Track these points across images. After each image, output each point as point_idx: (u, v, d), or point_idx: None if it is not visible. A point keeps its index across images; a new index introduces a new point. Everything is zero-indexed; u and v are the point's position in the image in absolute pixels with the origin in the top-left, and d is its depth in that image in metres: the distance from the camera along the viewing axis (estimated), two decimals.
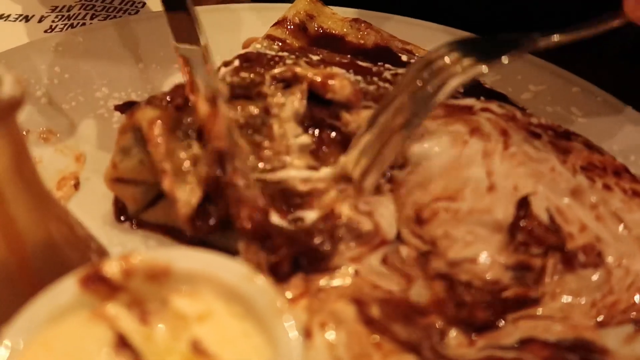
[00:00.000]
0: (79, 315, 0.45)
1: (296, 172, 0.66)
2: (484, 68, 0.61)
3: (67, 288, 0.47)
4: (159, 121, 0.64)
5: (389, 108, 0.64)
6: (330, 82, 0.72)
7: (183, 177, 0.63)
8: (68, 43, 0.89)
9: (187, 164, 0.64)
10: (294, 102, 0.69)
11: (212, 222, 0.63)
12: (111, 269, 0.48)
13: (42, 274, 0.50)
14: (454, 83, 0.61)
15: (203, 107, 0.64)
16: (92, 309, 0.46)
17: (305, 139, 0.69)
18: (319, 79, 0.73)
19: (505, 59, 0.62)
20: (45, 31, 0.97)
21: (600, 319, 0.59)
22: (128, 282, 0.49)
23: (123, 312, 0.46)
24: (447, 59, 0.62)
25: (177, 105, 0.66)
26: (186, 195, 0.62)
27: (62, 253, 0.52)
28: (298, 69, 0.74)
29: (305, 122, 0.70)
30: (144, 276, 0.49)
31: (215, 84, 0.64)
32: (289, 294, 0.58)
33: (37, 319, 0.45)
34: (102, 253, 0.58)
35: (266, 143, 0.68)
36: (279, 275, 0.59)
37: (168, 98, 0.67)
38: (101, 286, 0.47)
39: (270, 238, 0.60)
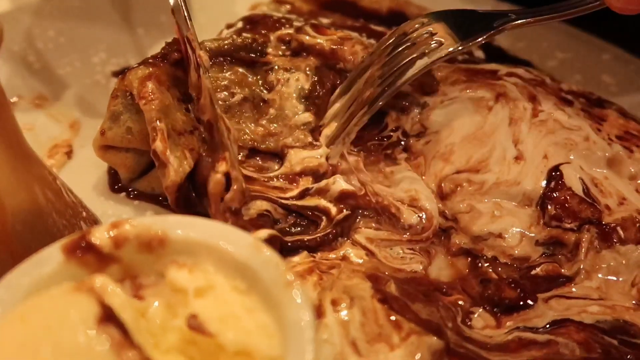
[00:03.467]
0: (63, 287, 0.40)
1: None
2: (456, 48, 0.60)
3: (51, 257, 0.42)
4: (152, 78, 0.59)
5: (362, 77, 0.62)
6: (340, 49, 0.68)
7: (176, 141, 0.58)
8: (64, 6, 0.84)
9: (183, 127, 0.59)
10: (299, 78, 0.65)
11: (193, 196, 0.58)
12: (100, 237, 0.43)
13: (24, 241, 0.45)
14: (422, 63, 0.59)
15: (193, 76, 0.60)
16: (78, 280, 0.41)
17: (306, 117, 0.64)
18: (327, 48, 0.68)
19: (479, 40, 0.60)
20: None
21: None
22: (119, 253, 0.44)
23: (113, 285, 0.41)
24: (424, 33, 0.61)
25: (174, 59, 0.61)
26: (178, 162, 0.57)
27: (47, 219, 0.47)
28: (305, 39, 0.69)
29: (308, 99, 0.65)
30: (138, 246, 0.44)
31: (196, 51, 0.60)
32: (297, 269, 0.53)
33: (17, 290, 0.40)
34: (94, 222, 0.53)
35: (265, 121, 0.63)
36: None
37: (162, 53, 0.62)
38: (89, 256, 0.43)
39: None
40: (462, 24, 0.61)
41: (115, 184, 0.63)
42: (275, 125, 0.63)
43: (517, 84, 0.68)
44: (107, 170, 0.64)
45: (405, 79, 0.59)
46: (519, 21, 0.61)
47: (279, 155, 0.62)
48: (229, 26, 0.75)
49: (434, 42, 0.60)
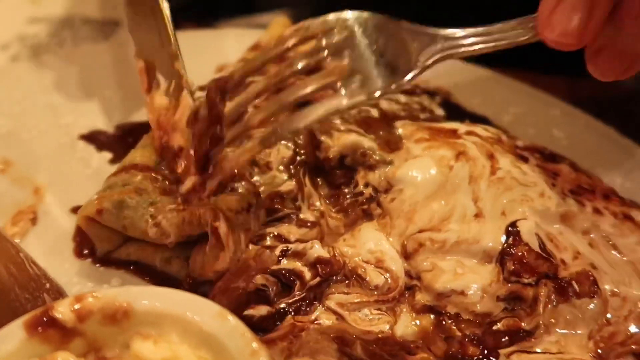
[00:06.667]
0: None
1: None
2: (383, 91, 0.49)
3: (12, 334, 0.42)
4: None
5: (253, 89, 0.52)
6: None
7: (235, 221, 0.58)
8: (32, 70, 0.85)
9: (239, 205, 0.59)
10: (279, 149, 0.66)
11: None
12: (64, 311, 0.43)
13: None
14: (333, 106, 0.48)
15: (161, 101, 0.61)
16: (41, 358, 0.41)
17: (289, 184, 0.65)
18: None
19: (397, 86, 0.49)
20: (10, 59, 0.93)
21: (598, 351, 0.56)
22: (83, 326, 0.44)
23: None
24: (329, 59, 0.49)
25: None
26: (234, 249, 0.57)
27: (9, 294, 0.46)
28: None
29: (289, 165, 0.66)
30: (102, 318, 0.44)
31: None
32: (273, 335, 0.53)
33: None
34: (58, 293, 0.53)
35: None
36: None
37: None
38: (52, 331, 0.42)
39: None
40: (395, 43, 0.49)
41: (81, 250, 0.62)
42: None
43: (476, 142, 0.71)
44: (74, 237, 0.63)
45: (306, 123, 0.49)
46: (468, 49, 0.50)
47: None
48: (202, 88, 0.76)
49: (354, 81, 0.48)
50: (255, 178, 0.64)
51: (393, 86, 0.49)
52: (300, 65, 0.51)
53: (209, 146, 0.55)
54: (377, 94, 0.49)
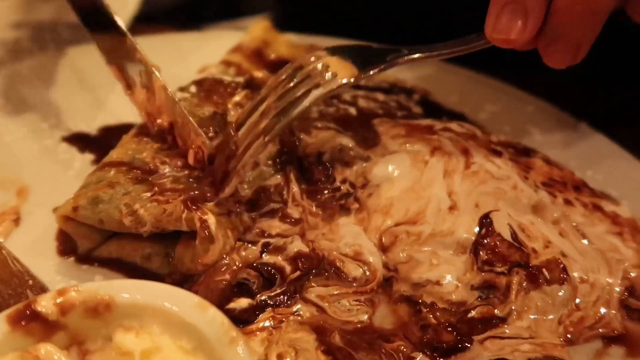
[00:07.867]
0: (8, 358, 0.41)
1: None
2: (347, 80, 0.61)
3: None
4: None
5: (258, 109, 0.62)
6: None
7: (219, 221, 0.60)
8: (14, 75, 0.86)
9: (219, 211, 0.61)
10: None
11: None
12: (46, 305, 0.44)
13: None
14: (317, 94, 0.60)
15: (141, 95, 0.65)
16: (24, 350, 0.42)
17: (277, 179, 0.67)
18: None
19: (372, 72, 0.62)
20: None
21: (568, 336, 0.58)
22: (66, 319, 0.45)
23: (58, 353, 0.42)
24: (318, 66, 0.62)
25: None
26: (223, 242, 0.59)
27: None
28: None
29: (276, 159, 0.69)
30: (84, 312, 0.45)
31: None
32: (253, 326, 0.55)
33: None
34: (41, 290, 0.54)
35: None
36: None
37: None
38: (35, 325, 0.43)
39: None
40: (357, 57, 0.62)
41: (64, 249, 0.63)
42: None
43: (451, 138, 0.73)
44: (57, 237, 0.64)
45: (301, 109, 0.60)
46: (412, 56, 0.63)
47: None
48: (181, 89, 0.78)
49: (328, 74, 0.61)
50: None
51: (352, 79, 0.61)
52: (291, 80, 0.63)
53: (225, 164, 0.63)
54: (344, 81, 0.61)
